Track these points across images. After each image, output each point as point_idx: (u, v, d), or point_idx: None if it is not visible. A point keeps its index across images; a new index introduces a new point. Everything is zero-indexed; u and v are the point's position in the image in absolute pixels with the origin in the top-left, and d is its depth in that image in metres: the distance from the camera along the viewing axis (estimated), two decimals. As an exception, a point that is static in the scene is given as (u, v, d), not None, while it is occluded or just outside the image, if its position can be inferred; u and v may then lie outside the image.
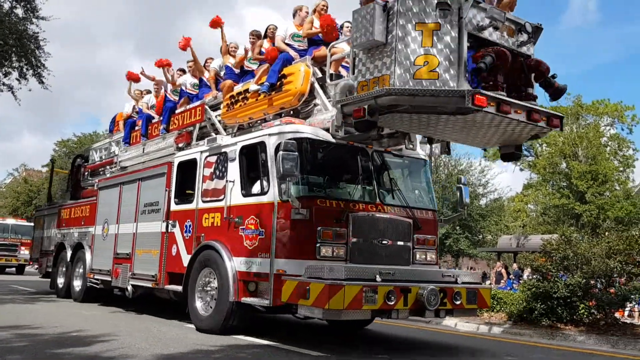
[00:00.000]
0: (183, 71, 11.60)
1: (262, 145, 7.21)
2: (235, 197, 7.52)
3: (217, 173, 8.08)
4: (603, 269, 9.53)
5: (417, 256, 7.36)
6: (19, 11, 15.58)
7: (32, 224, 32.70)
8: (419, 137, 7.85)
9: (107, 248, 10.87)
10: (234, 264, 7.30)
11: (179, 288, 8.39)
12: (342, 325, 8.65)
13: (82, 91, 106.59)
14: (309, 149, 6.88)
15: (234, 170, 7.67)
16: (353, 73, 6.57)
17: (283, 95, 7.57)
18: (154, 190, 9.61)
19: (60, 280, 12.98)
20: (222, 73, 10.02)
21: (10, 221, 31.29)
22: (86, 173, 14.09)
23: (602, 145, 37.08)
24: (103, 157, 13.85)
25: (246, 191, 7.44)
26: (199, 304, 7.86)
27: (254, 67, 9.04)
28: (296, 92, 7.40)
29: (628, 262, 9.63)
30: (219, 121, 9.48)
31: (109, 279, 10.54)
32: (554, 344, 8.75)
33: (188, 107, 10.30)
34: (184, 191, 8.98)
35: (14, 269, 29.72)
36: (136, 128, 12.13)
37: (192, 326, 8.07)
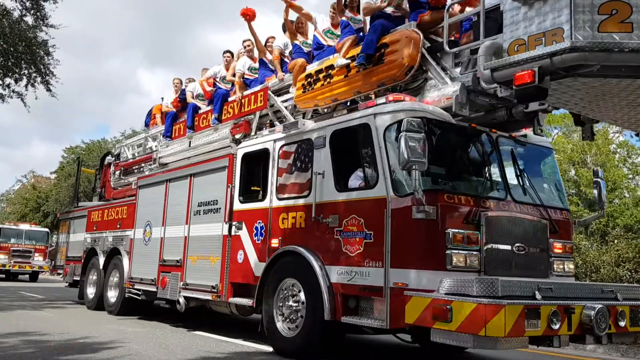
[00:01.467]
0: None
1: (365, 128, 5.81)
2: (326, 192, 6.12)
3: (299, 164, 6.69)
4: (612, 276, 9.53)
5: (555, 266, 5.94)
6: (29, 19, 15.56)
7: (46, 229, 31.78)
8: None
9: (150, 254, 9.48)
10: (329, 274, 5.91)
11: (249, 302, 7.00)
12: (437, 347, 7.21)
13: (90, 100, 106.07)
14: (431, 132, 5.48)
15: (322, 160, 6.28)
16: (483, 37, 5.20)
17: (385, 68, 6.18)
18: (210, 187, 8.22)
19: (91, 290, 11.60)
20: (286, 52, 8.67)
21: (24, 227, 30.07)
22: (117, 172, 12.74)
23: (611, 153, 36.09)
24: (136, 154, 12.52)
25: (341, 185, 6.04)
26: (279, 322, 6.45)
27: (331, 41, 7.68)
28: (403, 64, 6.01)
29: (637, 270, 9.57)
30: (286, 107, 8.14)
31: (154, 289, 9.14)
32: (563, 352, 7.69)
33: (245, 93, 8.94)
34: (250, 187, 7.61)
35: (27, 276, 28.37)
36: (179, 120, 10.80)
37: (268, 348, 6.68)
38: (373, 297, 5.48)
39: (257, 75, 9.04)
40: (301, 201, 6.48)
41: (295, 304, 6.30)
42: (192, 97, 10.42)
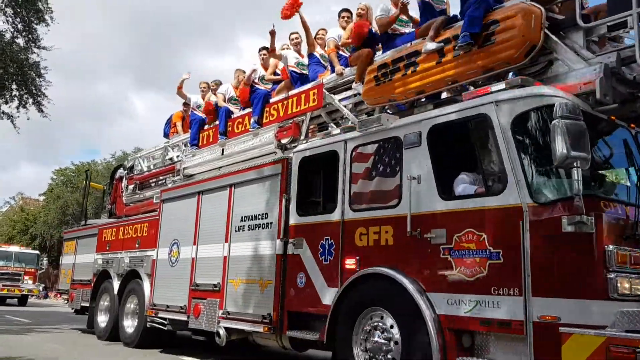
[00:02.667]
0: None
1: (481, 119, 4.62)
2: (425, 201, 4.90)
3: (381, 168, 5.46)
4: None
5: None
6: (20, 41, 15.52)
7: (36, 252, 30.04)
8: None
9: (178, 277, 8.14)
10: (434, 304, 4.65)
11: (314, 336, 5.70)
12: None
13: (80, 123, 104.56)
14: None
15: (417, 161, 5.06)
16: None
17: (497, 49, 5.02)
18: (257, 198, 6.96)
19: (102, 318, 10.17)
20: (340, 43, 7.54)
21: (14, 249, 28.41)
22: (131, 186, 11.42)
23: None
24: (152, 166, 11.24)
25: (447, 192, 4.83)
26: (361, 362, 5.17)
27: (405, 29, 6.56)
28: (523, 43, 4.86)
29: None
30: (345, 106, 6.97)
31: (184, 318, 7.78)
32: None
33: (291, 92, 7.76)
34: (309, 198, 6.37)
35: (15, 300, 26.62)
36: (206, 127, 9.58)
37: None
38: (503, 333, 4.22)
39: (306, 72, 7.88)
40: (387, 213, 5.24)
41: (384, 341, 5.00)
42: (224, 101, 9.22)
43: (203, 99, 10.11)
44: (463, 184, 4.77)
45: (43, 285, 39.35)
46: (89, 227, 11.71)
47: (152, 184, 10.84)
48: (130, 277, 9.44)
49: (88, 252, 11.15)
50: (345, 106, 6.99)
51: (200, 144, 9.48)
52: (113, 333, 9.61)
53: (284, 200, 6.46)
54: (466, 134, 4.76)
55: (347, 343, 5.29)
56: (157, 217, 9.04)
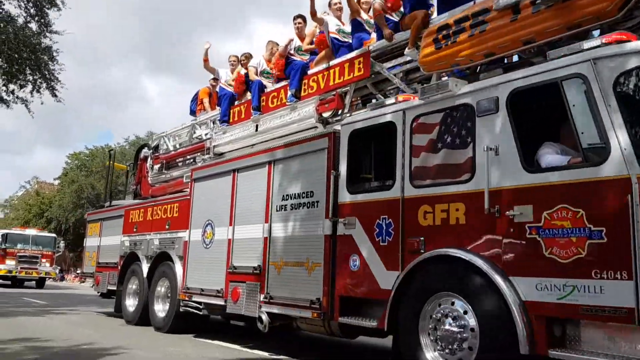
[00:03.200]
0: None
1: (576, 79, 4.03)
2: (505, 174, 4.34)
3: (449, 139, 4.89)
4: None
5: None
6: (33, 25, 15.54)
7: (53, 235, 29.86)
8: None
9: (213, 259, 7.68)
10: (518, 289, 4.11)
11: (371, 323, 5.20)
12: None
13: (93, 107, 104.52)
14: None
15: (494, 130, 4.49)
16: None
17: (585, 2, 4.41)
18: (301, 175, 6.43)
19: (130, 302, 9.77)
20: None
21: (31, 232, 28.32)
22: (157, 166, 10.94)
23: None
24: (178, 145, 10.75)
25: (533, 163, 4.26)
26: (429, 352, 4.67)
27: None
28: (619, -6, 4.24)
29: None
30: (395, 74, 6.39)
31: (221, 302, 7.34)
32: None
33: (333, 62, 7.18)
34: (359, 174, 5.83)
35: (33, 282, 26.59)
36: (237, 103, 9.04)
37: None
38: (607, 322, 3.68)
39: (348, 40, 7.28)
40: (457, 188, 4.69)
41: (457, 329, 4.49)
42: (256, 74, 8.65)
43: (232, 73, 9.57)
44: (550, 154, 4.20)
45: (59, 268, 39.56)
46: (114, 208, 11.27)
47: (180, 164, 10.35)
48: (161, 260, 9.00)
49: (114, 234, 10.73)
50: (394, 75, 6.40)
51: (231, 120, 8.95)
52: (143, 317, 9.21)
53: (332, 177, 5.92)
54: (555, 98, 4.16)
55: (413, 331, 4.79)
56: (188, 197, 8.55)
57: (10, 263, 25.61)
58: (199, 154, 9.76)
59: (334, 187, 5.90)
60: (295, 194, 6.46)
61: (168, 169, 10.56)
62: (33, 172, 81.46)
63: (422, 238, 4.89)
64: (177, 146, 10.78)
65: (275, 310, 6.43)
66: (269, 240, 6.72)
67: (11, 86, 15.76)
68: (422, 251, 4.85)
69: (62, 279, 42.26)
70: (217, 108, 9.94)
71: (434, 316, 4.69)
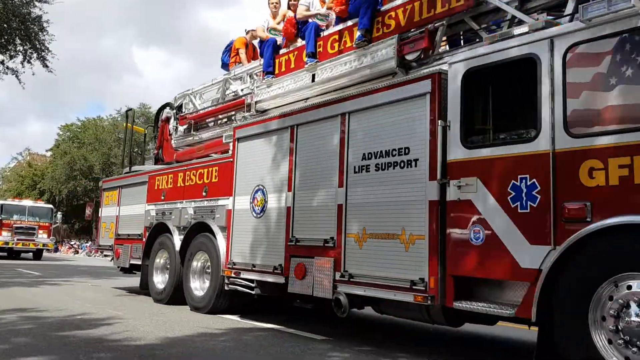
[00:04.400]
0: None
1: None
2: None
3: (627, 73, 3.64)
4: None
5: None
6: None
7: (50, 206, 28.36)
8: None
9: (267, 230, 6.45)
10: None
11: (507, 312, 4.02)
12: None
13: (85, 78, 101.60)
14: None
15: None
16: None
17: None
18: (390, 128, 5.15)
19: (159, 279, 8.53)
20: None
21: (28, 203, 26.93)
22: (182, 127, 9.59)
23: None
24: (204, 104, 9.39)
25: None
26: (609, 349, 3.50)
27: None
28: None
29: None
30: (509, 2, 5.09)
31: (280, 280, 6.13)
32: None
33: (417, -6, 5.84)
34: (476, 124, 4.58)
35: (30, 254, 25.27)
36: (282, 51, 7.68)
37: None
38: None
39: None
40: (647, 137, 3.47)
41: (653, 322, 3.33)
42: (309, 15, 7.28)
43: (273, 18, 8.19)
44: None
45: (55, 239, 38.19)
46: (134, 174, 9.90)
47: (211, 124, 9.01)
48: (197, 231, 7.74)
49: (135, 202, 9.41)
50: (507, 3, 5.10)
51: (276, 71, 7.60)
52: (175, 295, 7.99)
53: (438, 129, 4.66)
54: None
55: (578, 323, 3.62)
56: (231, 160, 7.26)
57: (6, 234, 24.33)
58: (233, 112, 8.44)
59: (442, 141, 4.65)
60: (381, 152, 5.20)
61: (196, 130, 9.21)
62: (25, 143, 79.23)
63: (587, 203, 3.68)
64: (205, 105, 9.42)
65: (357, 291, 5.23)
66: (345, 208, 5.48)
67: (1, 57, 15.49)
68: (589, 220, 3.65)
69: (56, 250, 40.90)
70: (253, 60, 8.60)
71: (611, 304, 3.52)
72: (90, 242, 43.46)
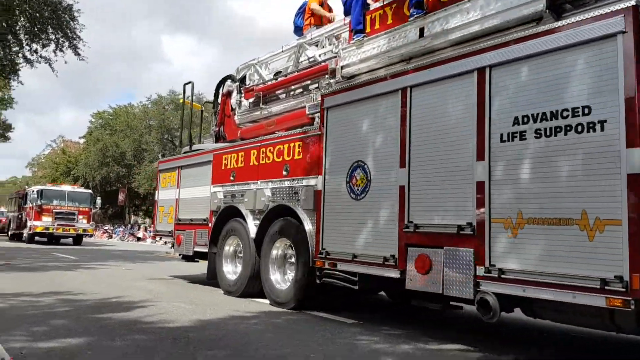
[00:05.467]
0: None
1: None
2: None
3: None
4: None
5: None
6: None
7: (89, 191, 27.70)
8: None
9: (370, 214, 5.32)
10: None
11: None
12: None
13: (116, 67, 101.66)
14: None
15: None
16: None
17: None
18: (556, 83, 3.93)
19: (230, 268, 7.52)
20: None
21: (67, 188, 26.14)
22: (246, 101, 8.48)
23: None
24: (272, 75, 8.24)
25: None
26: None
27: None
28: None
29: None
30: None
31: (393, 274, 4.99)
32: None
33: None
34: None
35: (70, 239, 24.60)
36: (374, 5, 6.45)
37: None
38: None
39: None
40: None
41: None
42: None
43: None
44: None
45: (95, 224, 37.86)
46: (195, 153, 8.83)
47: (282, 96, 7.88)
48: (275, 215, 6.66)
49: (198, 184, 8.38)
50: None
51: (368, 29, 6.39)
52: (250, 288, 6.97)
53: (641, 79, 3.43)
54: None
55: None
56: (319, 133, 6.13)
57: (46, 220, 23.64)
58: (309, 81, 7.29)
59: (647, 95, 3.42)
60: (544, 114, 3.99)
61: (265, 103, 8.09)
62: (58, 131, 79.85)
63: None
64: (272, 76, 8.28)
65: (511, 290, 4.06)
66: (488, 187, 4.30)
67: (34, 45, 15.58)
68: None
69: (91, 235, 40.77)
70: (331, 22, 7.43)
71: None
72: (123, 227, 43.34)
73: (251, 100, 8.35)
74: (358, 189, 5.52)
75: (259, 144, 7.17)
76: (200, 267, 9.01)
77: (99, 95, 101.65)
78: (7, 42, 15.77)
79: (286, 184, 6.56)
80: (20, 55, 16.19)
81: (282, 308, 6.29)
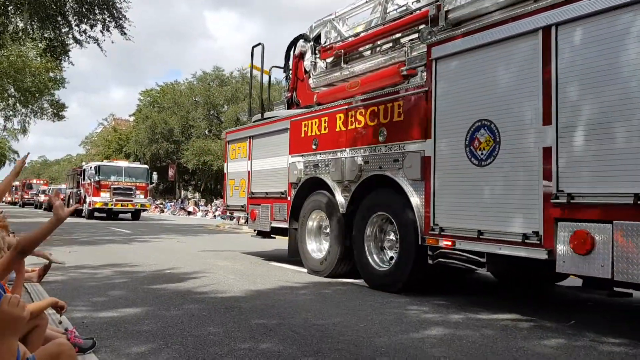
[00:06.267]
0: None
1: None
2: None
3: None
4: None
5: None
6: None
7: (145, 166, 27.54)
8: None
9: (500, 183, 4.36)
10: None
11: None
12: None
13: (161, 45, 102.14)
14: None
15: None
16: None
17: None
18: None
19: (314, 246, 6.77)
20: None
21: (123, 163, 25.89)
22: (323, 62, 7.56)
23: None
24: (351, 32, 7.26)
25: None
26: None
27: None
28: None
29: None
30: None
31: (538, 255, 4.05)
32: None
33: None
34: None
35: (128, 214, 24.51)
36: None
37: None
38: None
39: None
40: None
41: None
42: None
43: None
44: None
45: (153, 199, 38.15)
46: (268, 121, 8.01)
47: (367, 53, 6.91)
48: (369, 186, 5.79)
49: (273, 154, 7.58)
50: None
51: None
52: (340, 268, 6.19)
53: None
54: None
55: None
56: (425, 89, 5.15)
57: (105, 195, 23.52)
58: (399, 34, 6.29)
59: None
60: None
61: (346, 63, 7.15)
62: (109, 109, 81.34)
63: None
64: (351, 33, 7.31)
65: None
66: (684, 143, 3.27)
67: (83, 26, 15.46)
68: None
69: (147, 210, 41.23)
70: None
71: None
72: (174, 202, 43.69)
73: (329, 60, 7.43)
74: (482, 154, 4.56)
75: (347, 107, 6.26)
76: (253, 241, 9.17)
77: (146, 74, 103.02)
78: (57, 23, 15.69)
79: (383, 150, 5.65)
80: (70, 36, 16.25)
81: (384, 291, 5.47)
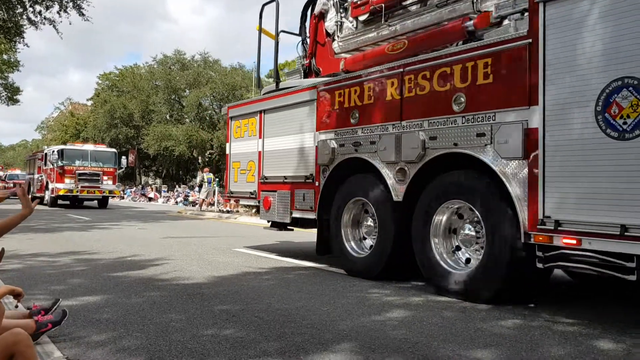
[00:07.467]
0: None
1: None
2: None
3: None
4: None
5: None
6: None
7: (113, 149, 24.90)
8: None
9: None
10: None
11: None
12: None
13: (121, 27, 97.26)
14: None
15: None
16: None
17: None
18: None
19: (354, 243, 5.36)
20: None
21: (89, 147, 22.94)
22: (351, 23, 6.14)
23: None
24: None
25: None
26: None
27: None
28: None
29: None
30: None
31: None
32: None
33: None
34: None
35: (95, 202, 22.15)
36: None
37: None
38: None
39: None
40: None
41: None
42: None
43: None
44: None
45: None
46: (286, 92, 6.47)
47: (416, 5, 5.52)
48: (437, 167, 4.47)
49: (293, 131, 6.11)
50: None
51: None
52: (391, 267, 4.86)
53: None
54: None
55: None
56: (527, 41, 3.84)
57: (69, 182, 20.74)
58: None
59: None
60: None
61: (386, 20, 5.73)
62: (66, 93, 76.91)
63: None
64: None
65: None
66: None
67: (37, 7, 14.69)
68: None
69: (115, 197, 38.83)
70: None
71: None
72: (134, 188, 41.29)
73: (362, 18, 6.00)
74: (626, 123, 3.30)
75: (402, 70, 4.87)
76: (215, 227, 9.13)
77: (105, 57, 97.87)
78: (10, 3, 14.67)
79: (460, 122, 4.32)
80: (24, 17, 15.24)
81: (461, 299, 4.20)
